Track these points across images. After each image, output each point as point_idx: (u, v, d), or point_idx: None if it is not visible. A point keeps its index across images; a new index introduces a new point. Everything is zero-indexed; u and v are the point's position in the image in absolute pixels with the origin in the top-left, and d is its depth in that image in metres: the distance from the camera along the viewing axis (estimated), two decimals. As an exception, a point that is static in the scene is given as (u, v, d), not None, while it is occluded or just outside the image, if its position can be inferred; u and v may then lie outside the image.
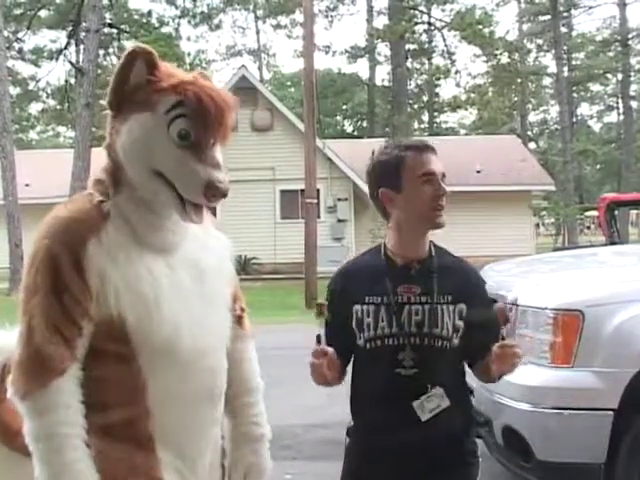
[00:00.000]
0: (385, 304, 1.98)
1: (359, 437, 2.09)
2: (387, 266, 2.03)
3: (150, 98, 1.57)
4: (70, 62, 26.01)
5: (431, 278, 1.98)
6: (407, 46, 26.67)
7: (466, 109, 30.84)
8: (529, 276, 4.44)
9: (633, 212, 30.61)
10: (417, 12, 26.99)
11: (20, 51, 32.76)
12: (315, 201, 16.14)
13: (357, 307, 2.00)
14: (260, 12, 43.01)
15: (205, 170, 1.55)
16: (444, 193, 1.98)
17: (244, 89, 19.62)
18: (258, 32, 44.90)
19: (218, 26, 41.69)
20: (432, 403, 1.93)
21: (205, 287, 1.69)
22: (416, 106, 29.61)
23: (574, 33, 41.10)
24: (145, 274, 1.58)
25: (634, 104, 39.67)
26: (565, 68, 36.66)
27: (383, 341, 1.97)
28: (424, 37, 30.98)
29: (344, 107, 46.24)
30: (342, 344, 1.98)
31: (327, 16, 37.93)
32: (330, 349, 1.89)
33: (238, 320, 1.87)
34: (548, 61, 42.21)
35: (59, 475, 1.50)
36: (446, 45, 27.79)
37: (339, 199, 22.05)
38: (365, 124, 44.57)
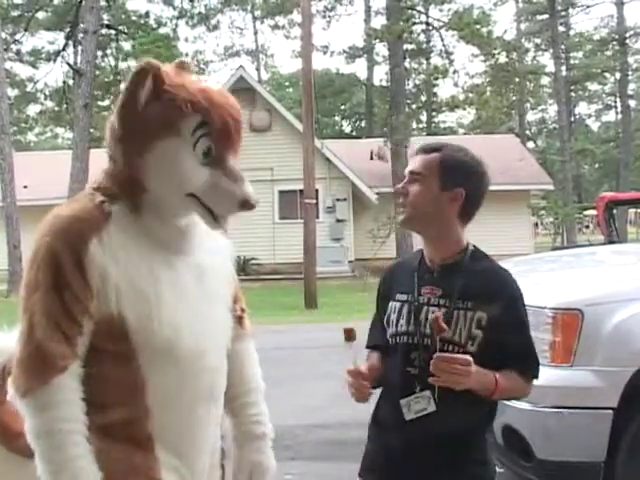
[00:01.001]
0: (409, 302, 2.01)
1: (374, 432, 2.11)
2: (419, 266, 2.06)
3: (171, 120, 1.56)
4: (68, 63, 25.98)
5: (453, 282, 1.96)
6: (405, 46, 26.52)
7: (464, 109, 30.75)
8: (528, 275, 4.43)
9: (631, 211, 30.62)
10: (415, 12, 26.90)
11: (18, 53, 32.70)
12: (314, 201, 16.14)
13: (390, 303, 2.06)
14: (258, 12, 42.96)
15: (240, 189, 1.60)
16: (395, 191, 2.05)
17: (242, 90, 19.63)
18: (256, 33, 44.93)
19: (216, 27, 41.66)
20: (419, 405, 1.93)
21: (206, 287, 1.69)
22: (414, 106, 29.48)
23: (572, 32, 41.10)
24: (146, 274, 1.59)
25: (632, 103, 39.71)
26: (563, 67, 36.68)
27: (401, 338, 2.00)
28: (422, 37, 30.90)
29: (342, 107, 46.25)
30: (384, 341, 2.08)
31: (325, 16, 37.87)
32: (364, 368, 1.99)
33: (238, 320, 1.87)
34: (546, 60, 42.09)
35: (60, 472, 1.51)
36: (444, 45, 27.72)
37: (338, 199, 22.04)
38: (363, 124, 44.57)
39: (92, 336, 1.56)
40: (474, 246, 2.06)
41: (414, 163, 2.03)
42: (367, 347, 2.15)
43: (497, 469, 2.12)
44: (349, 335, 1.99)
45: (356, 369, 1.97)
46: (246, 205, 1.61)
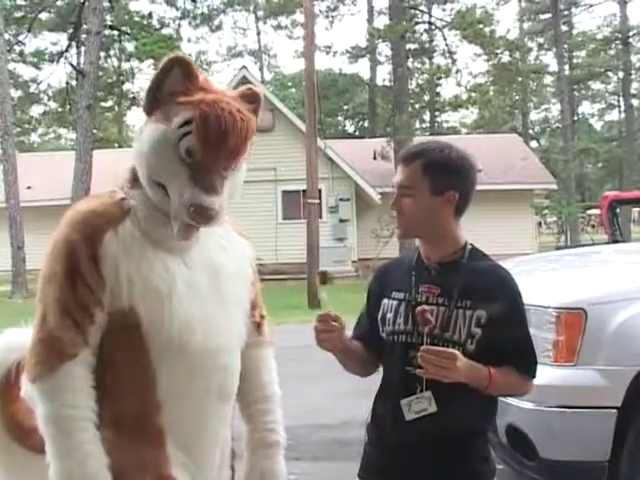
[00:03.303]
0: (406, 301, 2.00)
1: (373, 432, 2.10)
2: (416, 264, 2.05)
3: (172, 109, 1.59)
4: (71, 64, 26.04)
5: (452, 281, 1.95)
6: (408, 46, 26.46)
7: (467, 108, 30.82)
8: (532, 275, 4.44)
9: (635, 210, 30.57)
10: (418, 12, 26.94)
11: (21, 54, 32.69)
12: (317, 201, 16.14)
13: (385, 301, 2.05)
14: (260, 13, 42.98)
15: (193, 192, 1.57)
16: (391, 206, 2.03)
17: (245, 90, 19.59)
18: (259, 33, 44.99)
19: (219, 27, 41.70)
20: (419, 405, 1.92)
21: (221, 288, 1.71)
22: (417, 106, 29.41)
23: (575, 31, 40.99)
24: (159, 269, 1.61)
25: (635, 102, 39.61)
26: (566, 66, 36.60)
27: (398, 337, 1.99)
28: (425, 37, 30.94)
29: (345, 107, 46.22)
30: (371, 336, 2.07)
31: (328, 16, 37.86)
32: (336, 315, 1.94)
33: (257, 327, 1.89)
34: (549, 59, 42.03)
35: (68, 457, 1.53)
36: (447, 44, 27.72)
37: (341, 199, 22.03)
38: (366, 124, 44.52)
39: (105, 328, 1.59)
40: (472, 245, 2.06)
41: (399, 175, 2.01)
42: (351, 338, 2.12)
43: (497, 466, 2.12)
44: (324, 279, 1.97)
45: (327, 314, 1.93)
46: (194, 212, 1.57)
